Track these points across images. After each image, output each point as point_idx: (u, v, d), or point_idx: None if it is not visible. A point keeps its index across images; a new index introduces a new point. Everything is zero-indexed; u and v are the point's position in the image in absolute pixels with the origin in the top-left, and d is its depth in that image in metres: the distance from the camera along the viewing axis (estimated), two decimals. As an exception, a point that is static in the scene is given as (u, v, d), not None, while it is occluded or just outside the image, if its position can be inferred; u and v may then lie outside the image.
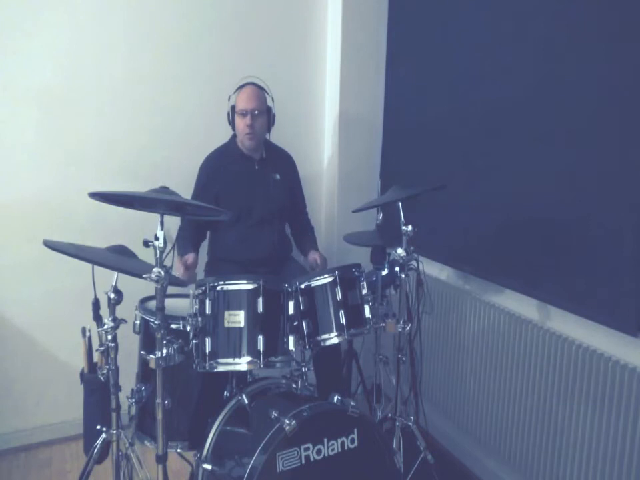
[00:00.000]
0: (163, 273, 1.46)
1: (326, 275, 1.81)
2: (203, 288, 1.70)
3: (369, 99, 2.87)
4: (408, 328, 1.98)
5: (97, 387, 1.74)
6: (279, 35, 2.74)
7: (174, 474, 1.95)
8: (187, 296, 1.69)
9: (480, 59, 2.22)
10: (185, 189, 2.30)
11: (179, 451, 1.84)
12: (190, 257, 2.15)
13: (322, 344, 1.80)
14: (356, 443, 1.62)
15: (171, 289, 1.56)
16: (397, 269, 1.97)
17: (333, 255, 2.84)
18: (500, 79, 2.12)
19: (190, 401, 1.81)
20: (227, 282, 1.70)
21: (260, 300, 1.67)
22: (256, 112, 2.27)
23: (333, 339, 1.79)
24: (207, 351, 1.65)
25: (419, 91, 2.63)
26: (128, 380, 1.80)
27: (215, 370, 1.66)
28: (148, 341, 1.73)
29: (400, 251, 1.93)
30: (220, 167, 2.37)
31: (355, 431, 1.63)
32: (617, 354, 1.72)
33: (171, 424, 1.66)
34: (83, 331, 1.76)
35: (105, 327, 1.63)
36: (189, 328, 1.65)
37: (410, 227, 1.91)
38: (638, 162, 1.62)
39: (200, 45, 2.58)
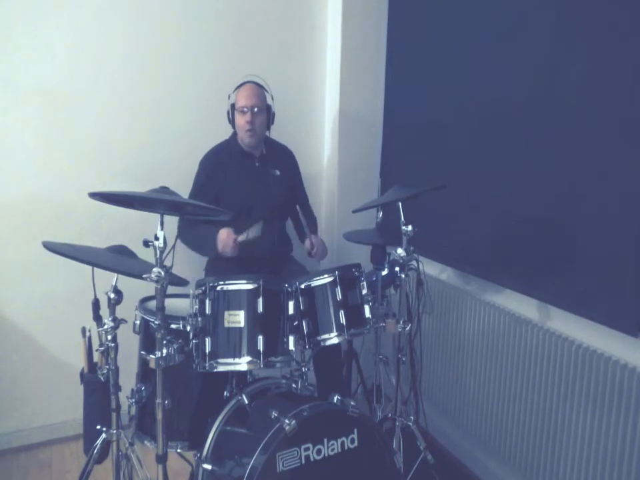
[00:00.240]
0: (163, 273, 1.46)
1: (326, 275, 1.81)
2: (203, 288, 1.70)
3: (368, 99, 2.87)
4: (408, 328, 1.98)
5: (97, 387, 1.74)
6: (279, 34, 2.74)
7: (174, 474, 1.95)
8: (187, 296, 1.69)
9: (480, 58, 2.22)
10: (185, 188, 2.31)
11: (178, 451, 1.84)
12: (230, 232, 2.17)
13: (322, 344, 1.79)
14: (356, 443, 1.62)
15: (170, 289, 1.56)
16: (397, 268, 1.97)
17: (333, 254, 2.84)
18: (500, 79, 2.12)
19: (190, 401, 1.81)
20: (226, 282, 1.69)
21: (260, 300, 1.67)
22: (256, 109, 2.28)
23: (333, 338, 1.79)
24: (207, 351, 1.65)
25: (419, 90, 2.63)
26: (128, 380, 1.80)
27: (215, 370, 1.66)
28: (148, 341, 1.73)
29: (400, 250, 1.94)
30: (220, 164, 2.37)
31: (355, 430, 1.63)
32: (616, 354, 1.72)
33: (171, 424, 1.66)
34: (83, 331, 1.75)
35: (105, 326, 1.63)
36: (188, 328, 1.65)
37: (410, 227, 1.91)
38: (638, 162, 1.62)
39: (200, 45, 2.58)
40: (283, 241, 2.51)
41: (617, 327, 1.71)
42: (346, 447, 1.61)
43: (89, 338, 1.77)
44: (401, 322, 1.97)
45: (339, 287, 1.79)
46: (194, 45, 2.57)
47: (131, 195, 1.46)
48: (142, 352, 1.73)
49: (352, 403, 1.65)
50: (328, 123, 2.91)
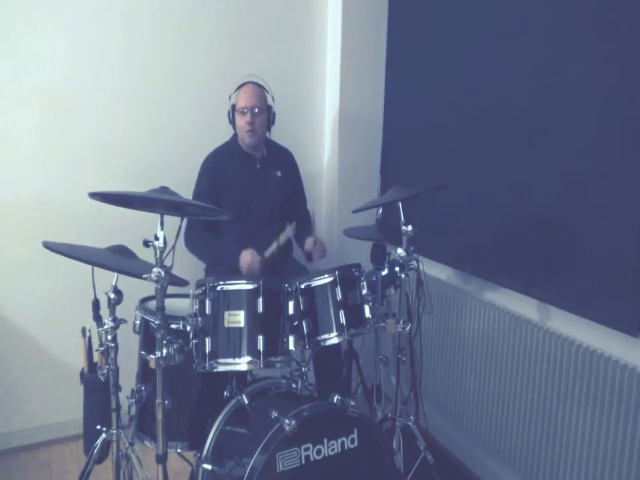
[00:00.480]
0: (163, 273, 1.46)
1: (326, 275, 1.81)
2: (203, 288, 1.70)
3: (369, 99, 2.87)
4: (408, 328, 1.98)
5: (97, 387, 1.74)
6: (279, 34, 2.74)
7: (174, 474, 1.95)
8: (187, 296, 1.69)
9: (480, 59, 2.22)
10: (184, 188, 2.29)
11: (178, 451, 1.84)
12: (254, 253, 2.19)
13: (322, 344, 1.79)
14: (356, 443, 1.62)
15: (170, 289, 1.56)
16: (397, 268, 1.97)
17: (333, 254, 2.84)
18: (500, 79, 2.12)
19: (190, 400, 1.81)
20: (226, 282, 1.69)
21: (260, 300, 1.67)
22: (256, 110, 2.28)
23: (332, 338, 1.79)
24: (207, 351, 1.65)
25: (419, 90, 2.63)
26: (128, 380, 1.80)
27: (215, 370, 1.66)
28: (148, 341, 1.73)
29: (400, 250, 1.94)
30: (221, 166, 2.37)
31: (355, 430, 1.63)
32: (616, 354, 1.72)
33: (171, 424, 1.66)
34: (83, 330, 1.75)
35: (105, 326, 1.63)
36: (189, 328, 1.65)
37: (410, 227, 1.91)
38: (638, 162, 1.62)
39: (200, 45, 2.58)
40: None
41: (617, 327, 1.71)
42: (346, 447, 1.61)
43: (89, 338, 1.77)
44: (401, 322, 1.97)
45: (339, 287, 1.79)
46: (194, 45, 2.57)
47: (131, 195, 1.46)
48: (142, 352, 1.73)
49: (352, 403, 1.65)
50: (328, 123, 2.91)
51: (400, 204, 1.93)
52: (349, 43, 2.76)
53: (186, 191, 2.32)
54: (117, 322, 1.64)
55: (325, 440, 1.58)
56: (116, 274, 1.61)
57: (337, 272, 1.81)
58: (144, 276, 1.46)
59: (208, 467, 1.66)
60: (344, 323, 1.78)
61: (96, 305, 1.68)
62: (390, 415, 2.10)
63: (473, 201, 2.28)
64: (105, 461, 1.76)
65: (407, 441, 2.05)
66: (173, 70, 2.55)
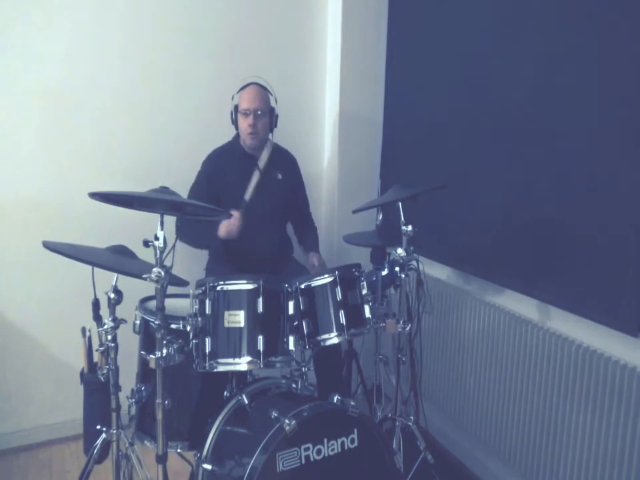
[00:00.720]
0: (163, 273, 1.46)
1: (326, 275, 1.81)
2: (203, 288, 1.70)
3: (369, 99, 2.87)
4: (408, 328, 1.98)
5: (97, 387, 1.74)
6: (279, 34, 2.74)
7: (174, 474, 1.95)
8: (187, 296, 1.69)
9: (480, 59, 2.22)
10: (185, 188, 2.31)
11: (178, 451, 1.84)
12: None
13: (322, 344, 1.79)
14: (356, 443, 1.62)
15: (170, 289, 1.56)
16: (397, 268, 1.97)
17: (333, 255, 2.84)
18: (500, 79, 2.12)
19: (190, 400, 1.81)
20: (226, 282, 1.69)
21: (260, 300, 1.67)
22: (259, 112, 2.28)
23: (333, 338, 1.79)
24: (207, 351, 1.65)
25: (419, 90, 2.63)
26: (128, 380, 1.80)
27: (215, 370, 1.66)
28: (148, 341, 1.73)
29: (400, 250, 1.94)
30: (223, 165, 2.37)
31: (355, 431, 1.63)
32: (616, 354, 1.72)
33: (171, 424, 1.66)
34: (83, 330, 1.76)
35: (105, 327, 1.63)
36: (188, 328, 1.65)
37: (410, 227, 1.91)
38: (637, 162, 1.62)
39: (200, 45, 2.58)
40: (284, 242, 2.51)
41: (617, 327, 1.71)
42: (346, 447, 1.61)
43: (89, 338, 1.77)
44: (401, 322, 1.97)
45: (339, 287, 1.79)
46: (194, 45, 2.57)
47: (131, 194, 1.46)
48: (142, 352, 1.73)
49: (352, 403, 1.65)
50: (328, 123, 2.91)
51: (400, 204, 1.93)
52: (349, 43, 2.76)
53: (186, 191, 2.34)
54: (117, 322, 1.64)
55: (325, 440, 1.58)
56: (116, 274, 1.61)
57: (336, 272, 1.81)
58: (144, 276, 1.46)
59: (208, 467, 1.66)
60: (344, 323, 1.78)
61: (96, 305, 1.68)
62: (390, 414, 2.10)
63: (473, 201, 2.28)
64: (105, 460, 1.76)
65: (407, 441, 2.05)
66: (172, 70, 2.55)
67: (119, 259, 1.66)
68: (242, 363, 1.66)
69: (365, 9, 2.78)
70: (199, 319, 1.66)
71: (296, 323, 1.77)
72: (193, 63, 2.58)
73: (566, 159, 1.85)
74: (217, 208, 1.85)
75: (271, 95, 2.37)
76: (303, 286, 1.80)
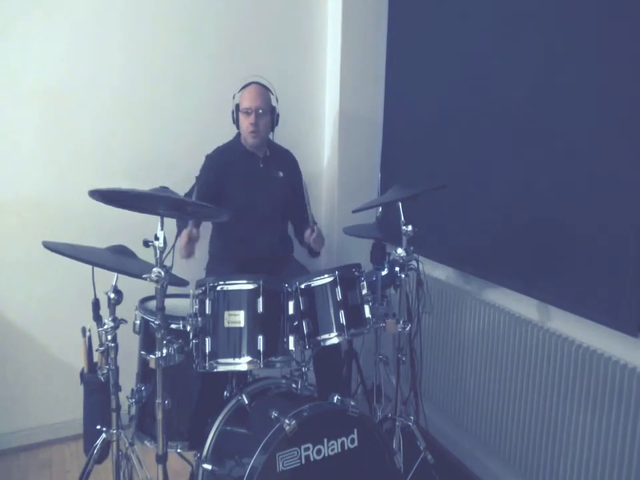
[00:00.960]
0: (162, 273, 1.46)
1: (326, 275, 1.81)
2: (203, 288, 1.70)
3: (369, 99, 2.87)
4: (408, 328, 1.98)
5: (97, 387, 1.74)
6: (279, 34, 2.74)
7: (174, 474, 1.95)
8: (187, 296, 1.69)
9: (480, 59, 2.22)
10: (185, 189, 2.31)
11: (178, 451, 1.84)
12: (194, 229, 2.15)
13: (322, 344, 1.79)
14: (356, 443, 1.62)
15: (170, 289, 1.56)
16: (397, 268, 1.97)
17: (333, 255, 2.84)
18: (500, 79, 2.12)
19: (190, 400, 1.81)
20: (227, 282, 1.70)
21: (260, 300, 1.67)
22: (260, 111, 2.28)
23: (332, 338, 1.79)
24: (207, 351, 1.65)
25: (419, 90, 2.63)
26: (128, 380, 1.80)
27: (215, 370, 1.66)
28: (148, 341, 1.73)
29: (400, 250, 1.94)
30: (224, 164, 2.37)
31: (355, 431, 1.63)
32: (616, 354, 1.72)
33: (171, 424, 1.66)
34: (83, 330, 1.76)
35: (105, 327, 1.63)
36: (188, 328, 1.65)
37: (410, 227, 1.91)
38: (637, 161, 1.62)
39: (200, 45, 2.58)
40: (284, 242, 2.51)
41: (617, 327, 1.71)
42: (346, 447, 1.61)
43: (89, 338, 1.77)
44: (401, 322, 1.97)
45: (338, 287, 1.79)
46: (194, 45, 2.57)
47: (131, 192, 1.46)
48: (142, 352, 1.73)
49: (352, 403, 1.65)
50: (328, 123, 2.91)
51: (400, 204, 1.93)
52: (349, 43, 2.76)
53: (186, 191, 2.33)
54: (117, 322, 1.65)
55: (325, 440, 1.58)
56: (116, 274, 1.61)
57: (336, 272, 1.81)
58: (144, 276, 1.46)
59: (208, 467, 1.66)
60: (344, 323, 1.78)
61: (96, 305, 1.68)
62: (390, 415, 2.10)
63: (473, 201, 2.28)
64: (105, 460, 1.76)
65: (407, 441, 2.05)
66: (173, 70, 2.54)
67: (119, 259, 1.66)
68: (242, 363, 1.66)
69: (365, 9, 2.78)
70: (199, 319, 1.66)
71: (296, 323, 1.77)
72: (193, 63, 2.57)
73: (566, 158, 1.85)
74: (217, 208, 1.84)
75: (272, 94, 2.37)
76: (303, 286, 1.80)
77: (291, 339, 1.73)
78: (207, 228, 2.48)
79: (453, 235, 2.44)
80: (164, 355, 1.52)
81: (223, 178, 2.34)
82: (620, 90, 1.67)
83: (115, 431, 1.71)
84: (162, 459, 1.57)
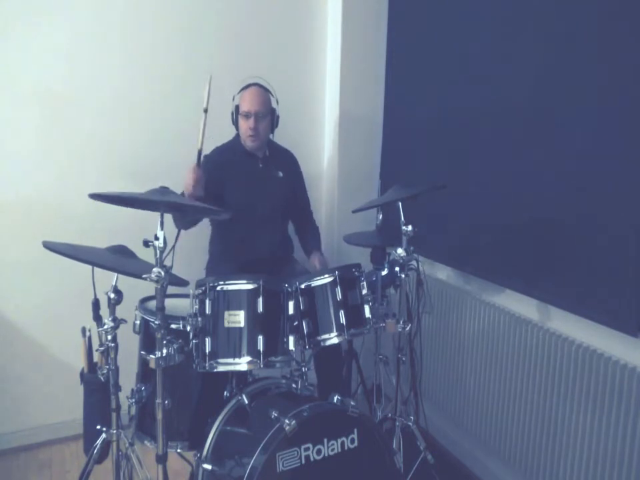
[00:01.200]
0: (163, 273, 1.46)
1: (326, 275, 1.81)
2: (203, 288, 1.70)
3: (369, 99, 2.87)
4: (408, 328, 1.98)
5: (97, 387, 1.74)
6: (279, 35, 2.74)
7: (174, 474, 1.95)
8: (187, 296, 1.69)
9: (480, 58, 2.22)
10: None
11: (178, 451, 1.84)
12: (197, 168, 2.07)
13: (322, 344, 1.79)
14: (356, 443, 1.62)
15: (170, 289, 1.56)
16: (397, 268, 1.97)
17: (333, 255, 2.84)
18: (500, 79, 2.12)
19: (190, 400, 1.81)
20: (226, 282, 1.69)
21: (260, 300, 1.67)
22: (259, 114, 2.27)
23: (333, 338, 1.79)
24: (207, 351, 1.65)
25: (419, 90, 2.63)
26: (128, 380, 1.80)
27: (215, 370, 1.66)
28: (148, 341, 1.73)
29: (400, 250, 1.94)
30: (224, 164, 2.36)
31: (355, 430, 1.63)
32: (616, 354, 1.72)
33: (171, 424, 1.66)
34: (83, 330, 1.76)
35: (105, 327, 1.63)
36: (188, 328, 1.65)
37: (410, 227, 1.91)
38: (637, 162, 1.62)
39: (200, 45, 2.58)
40: (284, 242, 2.51)
41: (617, 327, 1.71)
42: (346, 447, 1.61)
43: (89, 338, 1.77)
44: (401, 322, 1.97)
45: (339, 287, 1.79)
46: (194, 45, 2.57)
47: (132, 196, 1.46)
48: (142, 352, 1.73)
49: (352, 403, 1.65)
50: (328, 123, 2.91)
51: (400, 204, 1.93)
52: (349, 43, 2.76)
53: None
54: (117, 322, 1.64)
55: (325, 440, 1.58)
56: (116, 274, 1.61)
57: (336, 272, 1.81)
58: (144, 276, 1.46)
59: (208, 467, 1.66)
60: (344, 323, 1.78)
61: (96, 305, 1.68)
62: (390, 415, 2.10)
63: (473, 201, 2.28)
64: (105, 460, 1.76)
65: (407, 441, 2.05)
66: (173, 70, 2.54)
67: (119, 259, 1.66)
68: (242, 363, 1.66)
69: (365, 9, 2.78)
70: (199, 319, 1.66)
71: (296, 323, 1.77)
72: (193, 62, 2.57)
73: (566, 158, 1.85)
74: (217, 208, 1.85)
75: (272, 95, 2.36)
76: (303, 286, 1.80)
77: (291, 338, 1.73)
78: (207, 228, 2.49)
79: (452, 234, 2.44)
80: (164, 354, 1.51)
81: (223, 178, 2.34)
82: (620, 90, 1.67)
83: (115, 431, 1.70)
84: (162, 459, 1.57)
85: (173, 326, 1.66)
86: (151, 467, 1.65)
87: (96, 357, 1.75)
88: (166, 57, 2.53)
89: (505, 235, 2.14)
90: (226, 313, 1.67)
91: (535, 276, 2.00)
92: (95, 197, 1.47)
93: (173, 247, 1.50)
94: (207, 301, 1.68)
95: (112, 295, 1.62)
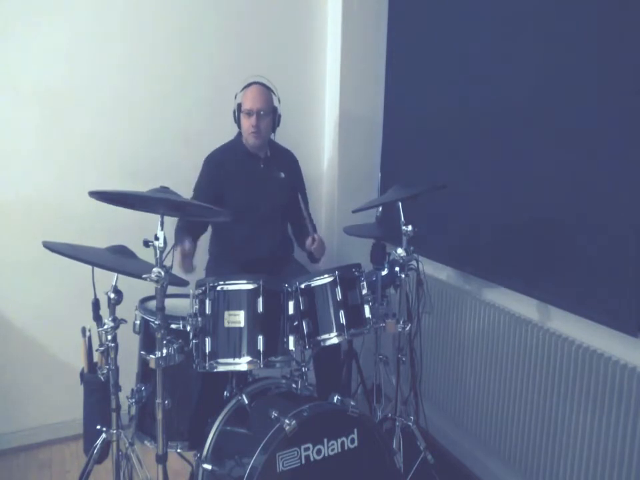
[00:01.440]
0: (163, 273, 1.46)
1: (326, 275, 1.81)
2: (203, 288, 1.70)
3: (369, 99, 2.87)
4: (408, 328, 1.98)
5: (97, 387, 1.74)
6: (279, 34, 2.74)
7: (174, 474, 1.95)
8: (187, 296, 1.69)
9: (480, 59, 2.22)
10: (185, 188, 2.28)
11: (178, 451, 1.84)
12: (186, 244, 2.11)
13: (322, 344, 1.79)
14: (356, 443, 1.62)
15: (170, 289, 1.56)
16: (397, 268, 1.97)
17: (333, 255, 2.84)
18: (500, 79, 2.12)
19: (190, 400, 1.81)
20: (226, 282, 1.70)
21: (260, 300, 1.67)
22: (262, 112, 2.28)
23: (332, 338, 1.79)
24: (207, 351, 1.65)
25: (419, 90, 2.63)
26: (128, 380, 1.80)
27: (215, 370, 1.66)
28: (148, 341, 1.73)
29: (400, 250, 1.94)
30: (225, 164, 2.37)
31: (355, 430, 1.63)
32: (616, 354, 1.72)
33: (171, 424, 1.66)
34: (83, 330, 1.76)
35: (105, 327, 1.63)
36: (189, 328, 1.65)
37: (410, 227, 1.91)
38: (637, 162, 1.62)
39: (200, 45, 2.58)
40: (284, 242, 2.51)
41: (617, 327, 1.71)
42: (346, 447, 1.61)
43: (89, 338, 1.77)
44: (401, 322, 1.97)
45: (338, 287, 1.79)
46: (194, 45, 2.57)
47: (131, 194, 1.46)
48: (142, 352, 1.73)
49: (352, 403, 1.65)
50: (328, 123, 2.91)
51: (400, 204, 1.93)
52: (349, 43, 2.76)
53: (186, 191, 2.32)
54: (117, 322, 1.64)
55: (325, 440, 1.58)
56: (116, 274, 1.61)
57: (336, 272, 1.81)
58: (144, 276, 1.46)
59: (208, 467, 1.66)
60: (344, 323, 1.78)
61: (96, 305, 1.68)
62: (390, 414, 2.10)
63: (473, 200, 2.28)
64: (105, 460, 1.76)
65: (407, 441, 2.05)
66: (173, 70, 2.54)
67: (119, 259, 1.66)
68: (242, 363, 1.66)
69: (364, 9, 2.78)
70: (199, 319, 1.66)
71: (296, 323, 1.77)
72: (193, 62, 2.58)
73: (566, 158, 1.85)
74: (217, 208, 1.84)
75: (274, 94, 2.37)
76: (303, 286, 1.80)
77: (291, 338, 1.73)
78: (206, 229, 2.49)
79: (453, 235, 2.44)
80: (164, 355, 1.51)
81: (224, 178, 2.34)
82: (620, 90, 1.67)
83: (115, 431, 1.70)
84: (162, 459, 1.57)
85: (173, 326, 1.66)
86: (151, 467, 1.65)
87: (96, 356, 1.75)
88: (166, 57, 2.53)
89: (505, 234, 2.14)
90: (226, 313, 1.67)
91: (535, 276, 2.01)
92: (95, 194, 1.47)
93: (173, 246, 1.51)
94: (207, 301, 1.68)
95: (112, 295, 1.62)
